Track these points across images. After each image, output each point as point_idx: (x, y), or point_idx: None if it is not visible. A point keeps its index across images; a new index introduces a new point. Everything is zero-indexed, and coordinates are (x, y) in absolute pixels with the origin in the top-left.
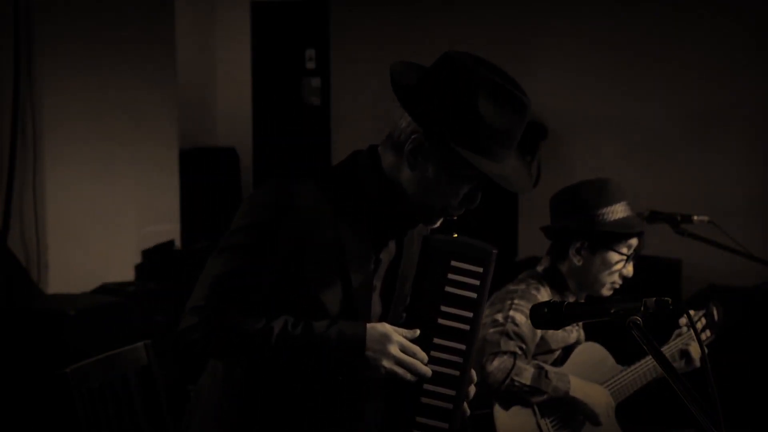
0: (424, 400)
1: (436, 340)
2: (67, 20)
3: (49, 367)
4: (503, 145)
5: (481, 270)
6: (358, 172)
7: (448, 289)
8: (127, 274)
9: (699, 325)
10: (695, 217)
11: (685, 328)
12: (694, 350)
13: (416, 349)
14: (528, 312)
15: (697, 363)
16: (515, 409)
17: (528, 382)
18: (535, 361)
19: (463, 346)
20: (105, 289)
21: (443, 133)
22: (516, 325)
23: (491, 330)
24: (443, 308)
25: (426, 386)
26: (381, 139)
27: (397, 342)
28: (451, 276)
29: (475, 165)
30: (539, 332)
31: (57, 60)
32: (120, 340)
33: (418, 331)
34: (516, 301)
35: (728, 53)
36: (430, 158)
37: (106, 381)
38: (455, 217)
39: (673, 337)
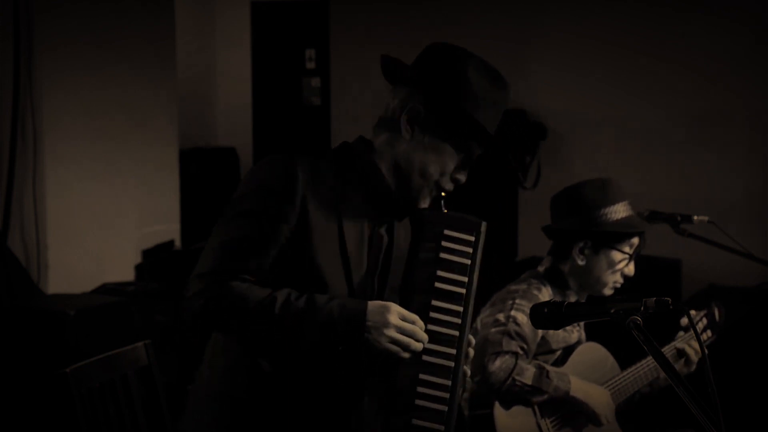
0: (425, 357)
1: (434, 302)
2: (67, 20)
3: (49, 367)
4: (491, 114)
5: (473, 238)
6: (353, 155)
7: (443, 255)
8: (127, 274)
9: (700, 326)
10: (695, 217)
11: (682, 332)
12: (690, 352)
13: (415, 317)
14: (529, 312)
15: (693, 366)
16: (515, 409)
17: (529, 382)
18: (536, 361)
19: (460, 308)
20: (105, 289)
21: (440, 94)
22: (518, 324)
23: (493, 330)
24: (439, 273)
25: (429, 347)
26: None
27: (396, 312)
28: (444, 244)
29: (474, 116)
30: (540, 332)
31: (57, 60)
32: (120, 340)
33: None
34: (517, 301)
35: (728, 53)
36: (427, 125)
37: (106, 381)
38: (444, 195)
39: (676, 340)
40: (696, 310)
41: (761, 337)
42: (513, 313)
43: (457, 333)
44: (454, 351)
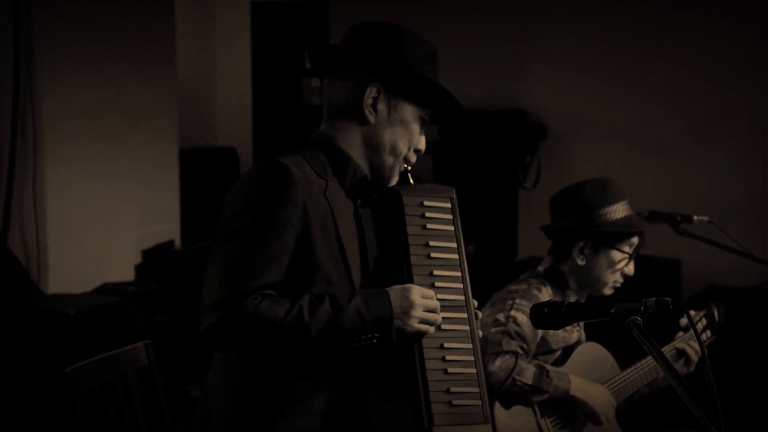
0: (444, 326)
1: (436, 272)
2: (67, 20)
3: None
4: (437, 70)
5: (449, 204)
6: (322, 148)
7: (430, 226)
8: (127, 274)
9: (699, 326)
10: (695, 217)
11: (682, 332)
12: (694, 351)
13: (431, 292)
14: (529, 312)
15: (692, 366)
16: (516, 408)
17: (529, 382)
18: (536, 361)
19: (458, 273)
20: (105, 289)
21: (391, 68)
22: (517, 324)
23: (493, 330)
24: (431, 243)
25: (444, 315)
26: None
27: (417, 291)
28: (427, 214)
29: (429, 76)
30: (540, 332)
31: (57, 60)
32: (120, 340)
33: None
34: (517, 301)
35: (728, 53)
36: (390, 101)
37: (106, 381)
38: (410, 169)
39: (675, 338)
40: (696, 310)
41: (761, 337)
42: (513, 313)
43: (462, 297)
44: (465, 315)
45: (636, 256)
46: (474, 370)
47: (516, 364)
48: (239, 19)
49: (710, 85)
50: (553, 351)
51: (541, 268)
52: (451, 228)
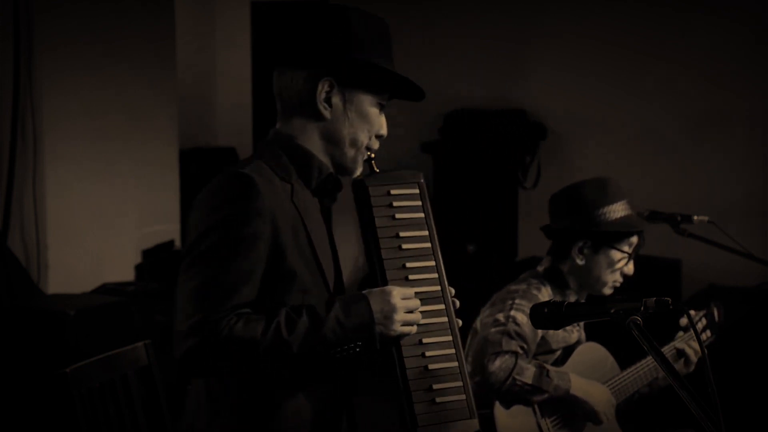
0: (422, 320)
1: (408, 264)
2: (67, 20)
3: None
4: (389, 51)
5: (417, 190)
6: (282, 149)
7: (399, 215)
8: (127, 274)
9: (699, 326)
10: (695, 217)
11: (682, 332)
12: (694, 351)
13: (411, 291)
14: (529, 312)
15: (692, 367)
16: (516, 408)
17: (529, 381)
18: (536, 361)
19: (432, 262)
20: (105, 289)
21: (342, 60)
22: (517, 324)
23: (493, 329)
24: (401, 234)
25: (421, 309)
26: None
27: (397, 293)
28: (395, 203)
29: (382, 65)
30: (540, 332)
31: (57, 60)
32: (120, 340)
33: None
34: (517, 301)
35: (728, 53)
36: (344, 94)
37: (106, 381)
38: (374, 156)
39: (675, 338)
40: (696, 310)
41: (761, 337)
42: (513, 312)
43: (438, 287)
44: (443, 306)
45: (636, 256)
46: (455, 364)
47: (516, 363)
48: (239, 19)
49: (710, 85)
50: (553, 351)
51: (540, 268)
52: (421, 215)
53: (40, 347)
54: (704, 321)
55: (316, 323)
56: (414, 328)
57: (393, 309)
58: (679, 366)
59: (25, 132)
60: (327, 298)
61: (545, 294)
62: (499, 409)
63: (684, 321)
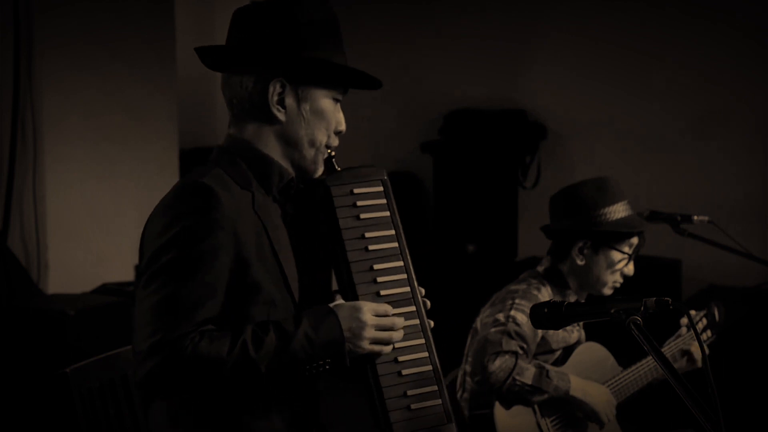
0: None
1: (376, 266)
2: (67, 20)
3: (49, 367)
4: (339, 43)
5: (381, 188)
6: (239, 155)
7: (363, 215)
8: (127, 274)
9: (700, 326)
10: (695, 217)
11: (684, 329)
12: (694, 350)
13: (386, 307)
14: (529, 312)
15: (698, 363)
16: (516, 408)
17: (530, 382)
18: (536, 361)
19: (400, 263)
20: (105, 289)
21: (291, 60)
22: (517, 324)
23: (493, 329)
24: (367, 234)
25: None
26: (380, 139)
27: (368, 309)
28: (359, 203)
29: (334, 60)
30: (540, 332)
31: (57, 60)
32: (120, 340)
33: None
34: (517, 301)
35: (728, 53)
36: (297, 94)
37: (106, 381)
38: (333, 154)
39: (674, 337)
40: (696, 310)
41: (761, 337)
42: (512, 312)
43: (408, 288)
44: (413, 308)
45: (636, 256)
46: (429, 367)
47: (516, 364)
48: None
49: (710, 85)
50: (553, 351)
51: (540, 268)
52: (387, 213)
53: (40, 347)
54: (704, 321)
55: (284, 340)
56: (388, 348)
57: (362, 326)
58: (679, 366)
59: (25, 132)
60: (293, 309)
61: (545, 294)
62: (499, 409)
63: (685, 321)
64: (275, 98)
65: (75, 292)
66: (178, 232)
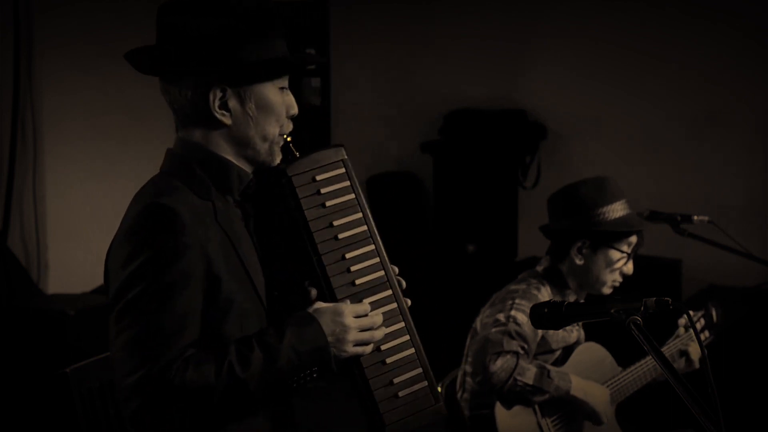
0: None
1: (348, 255)
2: (67, 20)
3: (49, 367)
4: (276, 31)
5: (343, 170)
6: (194, 162)
7: (329, 203)
8: None
9: (698, 326)
10: (695, 217)
11: (682, 329)
12: (694, 350)
13: (366, 306)
14: (529, 312)
15: (697, 363)
16: (516, 408)
17: (531, 382)
18: (537, 361)
19: (372, 246)
20: (105, 289)
21: (229, 63)
22: (518, 324)
23: (493, 330)
24: (335, 222)
25: (369, 300)
26: (380, 139)
27: (348, 312)
28: (323, 190)
29: (274, 54)
30: (540, 332)
31: (57, 60)
32: None
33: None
34: (517, 301)
35: (728, 54)
36: (240, 95)
37: (106, 381)
38: (290, 139)
39: (673, 337)
40: (695, 310)
41: (761, 337)
42: (513, 312)
43: (382, 272)
44: (390, 291)
45: (636, 256)
46: (412, 350)
47: (517, 364)
48: None
49: (710, 85)
50: (552, 351)
51: (539, 268)
52: (352, 196)
53: (40, 347)
54: (702, 321)
55: (271, 355)
56: (369, 348)
57: (345, 330)
58: (679, 366)
59: (25, 132)
60: (264, 315)
61: (545, 294)
62: (499, 409)
63: (683, 321)
64: (217, 104)
65: (75, 292)
66: (143, 263)
